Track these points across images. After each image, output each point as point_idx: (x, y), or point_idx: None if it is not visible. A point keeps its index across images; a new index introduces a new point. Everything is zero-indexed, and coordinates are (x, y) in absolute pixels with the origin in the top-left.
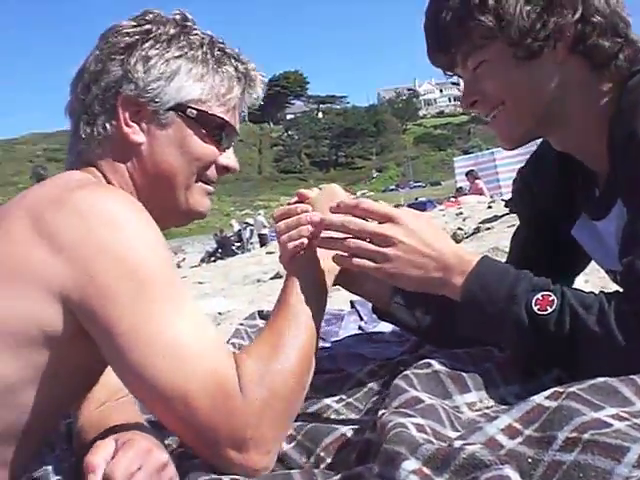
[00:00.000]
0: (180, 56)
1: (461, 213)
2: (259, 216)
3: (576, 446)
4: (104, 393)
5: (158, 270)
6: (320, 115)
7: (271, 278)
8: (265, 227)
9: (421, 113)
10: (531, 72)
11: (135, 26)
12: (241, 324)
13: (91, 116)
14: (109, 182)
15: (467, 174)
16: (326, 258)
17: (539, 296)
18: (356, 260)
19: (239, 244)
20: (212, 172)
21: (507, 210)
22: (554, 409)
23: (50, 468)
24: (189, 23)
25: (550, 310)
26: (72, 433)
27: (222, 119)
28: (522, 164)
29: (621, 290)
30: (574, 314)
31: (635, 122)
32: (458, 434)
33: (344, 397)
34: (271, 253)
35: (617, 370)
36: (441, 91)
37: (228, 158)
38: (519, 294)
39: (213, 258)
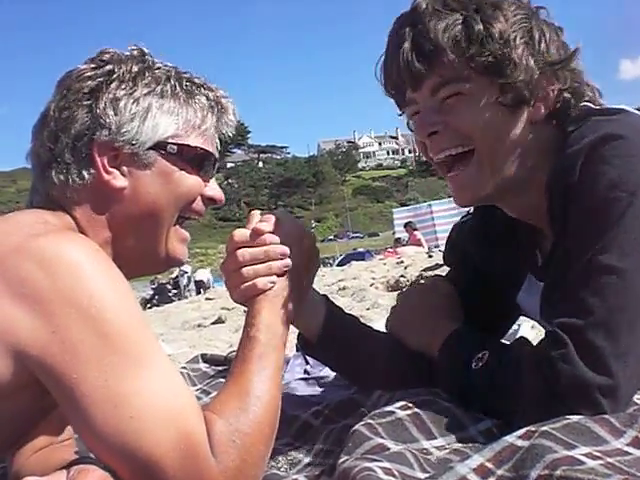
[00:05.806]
0: (149, 93)
1: (402, 262)
2: (201, 270)
3: None
4: (42, 439)
5: (125, 324)
6: (260, 164)
7: (212, 323)
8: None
9: (360, 165)
10: (506, 121)
11: (95, 68)
12: (183, 367)
13: (62, 165)
14: (82, 229)
15: (405, 225)
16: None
17: (480, 355)
18: None
19: (176, 291)
20: (199, 205)
21: None
22: (527, 448)
23: None
24: (148, 57)
25: (481, 364)
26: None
27: (204, 150)
28: (458, 217)
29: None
30: (494, 369)
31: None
32: (428, 475)
33: (291, 440)
34: (210, 299)
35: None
36: (380, 144)
37: (213, 189)
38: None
39: (149, 305)
